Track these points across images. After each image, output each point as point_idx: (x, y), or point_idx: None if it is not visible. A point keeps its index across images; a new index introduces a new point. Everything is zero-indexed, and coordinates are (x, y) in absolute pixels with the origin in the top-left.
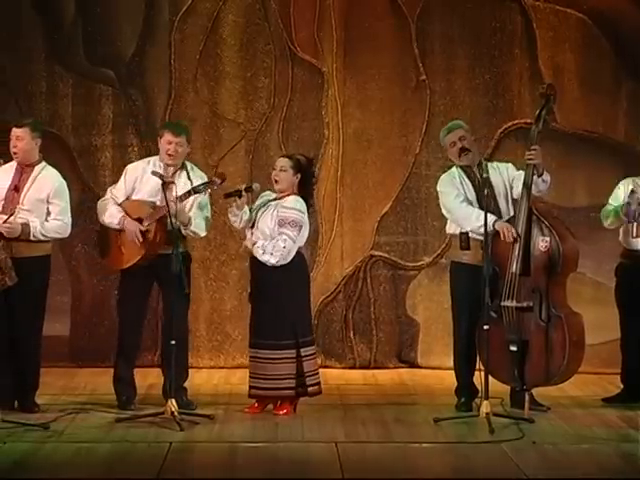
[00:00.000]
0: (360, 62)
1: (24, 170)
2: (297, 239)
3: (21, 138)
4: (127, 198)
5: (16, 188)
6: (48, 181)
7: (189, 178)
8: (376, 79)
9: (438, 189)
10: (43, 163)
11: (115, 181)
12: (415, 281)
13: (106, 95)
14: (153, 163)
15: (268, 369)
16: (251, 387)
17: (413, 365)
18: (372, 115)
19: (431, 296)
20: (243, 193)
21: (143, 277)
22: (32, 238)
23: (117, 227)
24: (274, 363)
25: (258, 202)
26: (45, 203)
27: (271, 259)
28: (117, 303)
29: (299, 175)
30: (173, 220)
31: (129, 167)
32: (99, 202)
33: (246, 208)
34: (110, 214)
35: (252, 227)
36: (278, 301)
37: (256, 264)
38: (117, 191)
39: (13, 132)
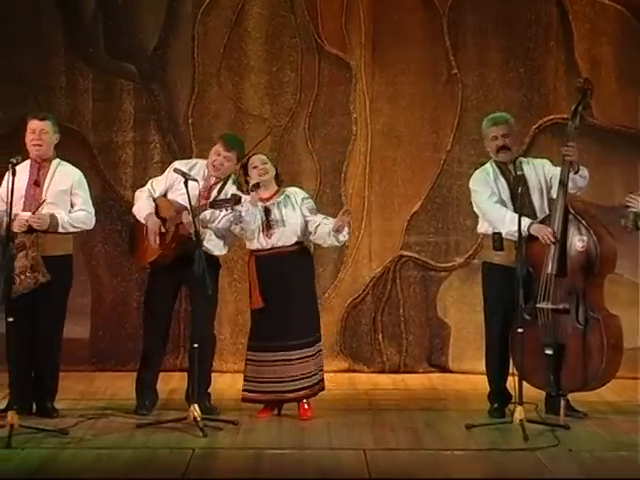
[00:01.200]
0: (389, 55)
1: (41, 165)
2: None
3: (45, 131)
4: (165, 194)
5: (36, 183)
6: (69, 173)
7: (219, 192)
8: (406, 73)
9: (471, 187)
10: (57, 159)
11: (135, 179)
12: (446, 282)
13: (127, 90)
14: (198, 168)
15: (296, 369)
16: (258, 391)
17: (444, 369)
18: (402, 110)
19: (463, 298)
20: (261, 184)
21: (170, 278)
22: (60, 230)
23: (142, 221)
24: (307, 361)
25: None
26: (68, 195)
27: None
28: (143, 304)
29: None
30: (195, 220)
31: (175, 163)
32: (137, 192)
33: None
34: (139, 207)
35: (269, 228)
36: (310, 296)
37: (284, 260)
38: (157, 184)
39: (36, 125)
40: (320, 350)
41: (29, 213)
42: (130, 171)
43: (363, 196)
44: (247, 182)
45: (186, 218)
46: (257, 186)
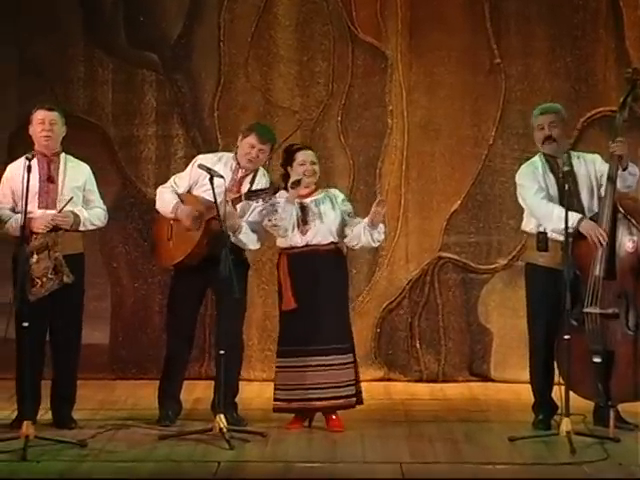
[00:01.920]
0: (427, 43)
1: (51, 160)
2: None
3: (55, 122)
4: (189, 191)
5: (50, 179)
6: (81, 168)
7: (251, 183)
8: (445, 62)
9: (517, 182)
10: (63, 152)
11: (158, 175)
12: (488, 286)
13: (149, 81)
14: (225, 161)
15: (325, 377)
16: (289, 399)
17: (486, 378)
18: (441, 102)
19: (506, 302)
20: (301, 182)
21: (196, 279)
22: (81, 228)
23: (170, 215)
24: (337, 369)
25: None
26: (82, 191)
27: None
28: (167, 308)
29: None
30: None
31: (199, 157)
32: (158, 188)
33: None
34: (164, 201)
35: (305, 224)
36: (342, 300)
37: (318, 259)
38: (180, 180)
39: (45, 115)
40: (353, 361)
41: (52, 211)
42: (152, 167)
43: (399, 194)
44: (287, 175)
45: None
46: (298, 183)
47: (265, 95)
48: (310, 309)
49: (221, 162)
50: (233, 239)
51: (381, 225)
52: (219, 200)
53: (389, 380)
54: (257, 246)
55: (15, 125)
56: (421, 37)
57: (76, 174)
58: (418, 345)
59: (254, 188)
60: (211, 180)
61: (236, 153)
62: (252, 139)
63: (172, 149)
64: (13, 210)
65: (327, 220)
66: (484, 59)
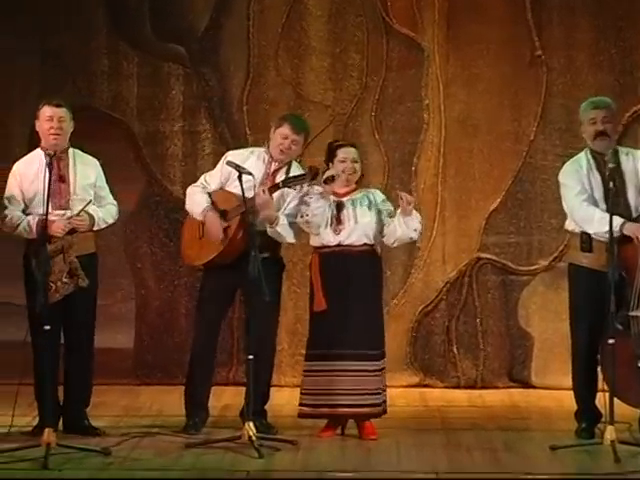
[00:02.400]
0: (466, 35)
1: (60, 158)
2: None
3: (64, 119)
4: (221, 188)
5: (62, 178)
6: (90, 164)
7: (286, 175)
8: (484, 55)
9: (560, 180)
10: (71, 148)
11: (184, 173)
12: (529, 288)
13: (176, 75)
14: (257, 154)
15: (352, 383)
16: (315, 405)
17: (526, 385)
18: (479, 96)
19: (547, 305)
20: (336, 178)
21: (226, 280)
22: (95, 228)
23: (199, 217)
24: (366, 377)
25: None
26: (93, 188)
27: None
28: (196, 310)
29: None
30: (252, 216)
31: (229, 153)
32: (189, 188)
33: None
34: (194, 202)
35: (339, 222)
36: (375, 304)
37: (350, 261)
38: (211, 178)
39: (53, 111)
40: (383, 368)
41: (66, 212)
42: (178, 164)
43: (436, 192)
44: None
45: (260, 198)
46: (332, 179)
47: (296, 89)
48: (340, 311)
49: (253, 156)
50: (270, 231)
51: (415, 212)
52: (248, 196)
53: (425, 386)
54: (294, 240)
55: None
56: (459, 28)
57: (86, 171)
58: (455, 350)
59: (291, 175)
60: (240, 178)
61: (268, 146)
62: (285, 129)
63: (199, 145)
64: (23, 212)
65: (362, 221)
66: (525, 51)
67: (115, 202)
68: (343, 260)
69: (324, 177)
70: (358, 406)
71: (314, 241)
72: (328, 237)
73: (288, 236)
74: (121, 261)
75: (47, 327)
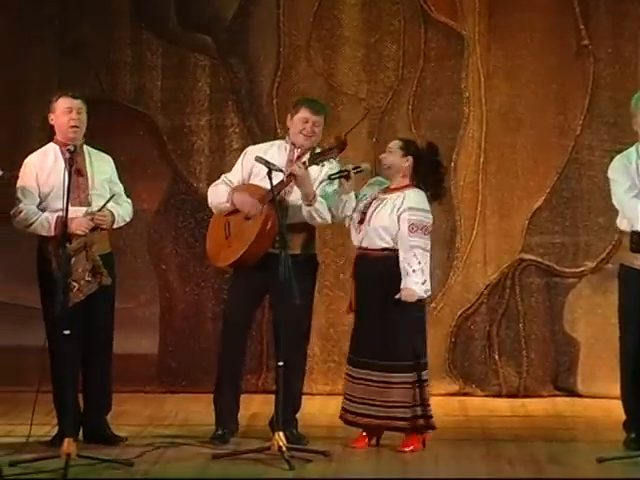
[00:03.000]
0: (508, 24)
1: (76, 151)
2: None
3: (82, 111)
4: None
5: (79, 172)
6: (105, 159)
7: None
8: (528, 45)
9: (609, 176)
10: (84, 144)
11: (211, 169)
12: (575, 291)
13: (202, 66)
14: (278, 145)
15: (378, 395)
16: (352, 412)
17: (572, 393)
18: (522, 88)
19: (594, 309)
20: (351, 174)
21: (254, 282)
22: (115, 226)
23: (226, 206)
24: (388, 388)
25: (366, 189)
26: (108, 184)
27: (424, 293)
28: (223, 313)
29: (410, 159)
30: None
31: (249, 148)
32: (210, 187)
33: (352, 193)
34: (217, 193)
35: (360, 222)
36: (398, 311)
37: (369, 266)
38: (232, 175)
39: (72, 103)
40: (417, 381)
41: (86, 208)
42: (205, 160)
43: (476, 190)
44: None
45: (298, 172)
46: (358, 170)
47: (328, 81)
48: (365, 317)
49: (273, 148)
50: (307, 210)
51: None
52: (277, 189)
53: (465, 395)
54: (330, 219)
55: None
56: (501, 16)
57: (102, 166)
58: (497, 356)
59: (321, 172)
60: (269, 174)
61: (288, 136)
62: (304, 113)
63: (227, 140)
64: (38, 207)
65: (375, 225)
66: (571, 41)
67: (129, 200)
68: (367, 263)
69: (352, 167)
70: (378, 417)
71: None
72: (354, 235)
73: (326, 212)
74: (145, 262)
75: (67, 332)
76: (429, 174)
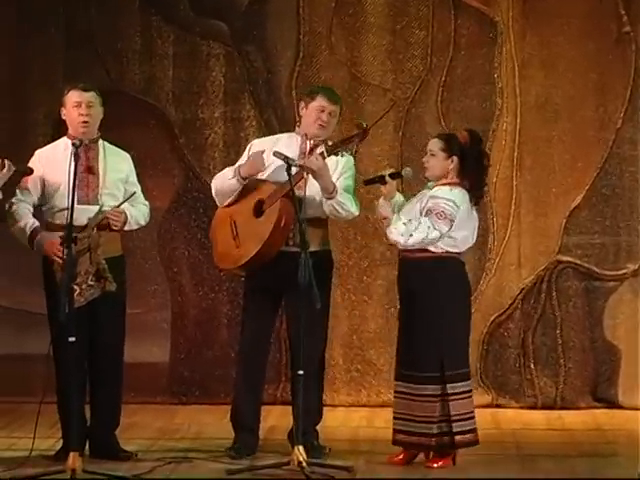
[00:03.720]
0: (544, 9)
1: (88, 147)
2: (445, 236)
3: (93, 104)
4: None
5: (90, 170)
6: (121, 157)
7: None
8: (565, 31)
9: None
10: (101, 139)
11: (226, 165)
12: (615, 295)
13: (216, 54)
14: (286, 139)
15: (405, 407)
16: (395, 430)
17: (612, 405)
18: (559, 78)
19: (637, 314)
20: (387, 179)
21: (271, 286)
22: (126, 228)
23: (234, 186)
24: (412, 401)
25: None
26: (124, 184)
27: (401, 239)
28: (242, 324)
29: (455, 159)
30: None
31: (255, 142)
32: (214, 179)
33: (399, 199)
34: (222, 177)
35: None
36: (423, 318)
37: (406, 269)
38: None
39: (82, 96)
40: (452, 394)
41: (94, 207)
42: (220, 155)
43: (510, 186)
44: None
45: (315, 164)
46: (396, 175)
47: (351, 70)
48: (403, 324)
49: (282, 140)
50: (329, 204)
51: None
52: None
53: (498, 407)
54: (356, 211)
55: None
56: (537, 1)
57: (118, 164)
58: (532, 365)
59: (339, 169)
60: (288, 170)
61: (298, 127)
62: (320, 101)
63: (243, 134)
64: (34, 206)
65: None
66: (611, 27)
67: (147, 203)
68: (404, 266)
69: (388, 173)
70: (404, 433)
71: None
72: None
73: (350, 203)
74: (155, 264)
75: (72, 339)
76: (475, 168)
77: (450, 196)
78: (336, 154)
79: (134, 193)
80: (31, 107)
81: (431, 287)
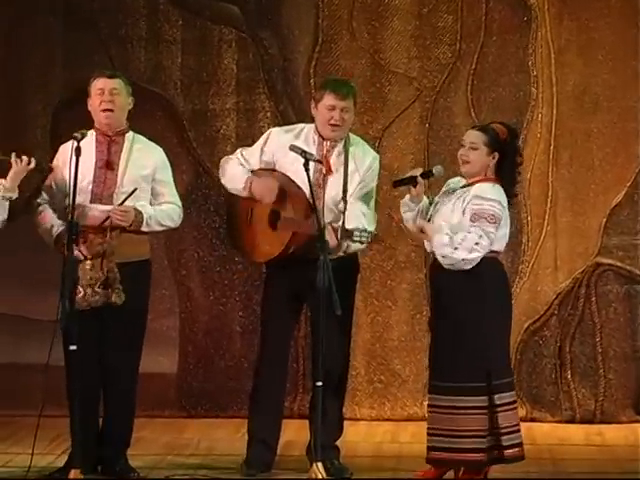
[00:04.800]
0: None
1: (113, 141)
2: (495, 239)
3: (117, 91)
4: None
5: (108, 165)
6: (150, 152)
7: (347, 162)
8: (605, 16)
9: None
10: (131, 131)
11: None
12: None
13: (228, 40)
14: (305, 135)
15: (446, 422)
16: (432, 448)
17: None
18: (599, 66)
19: None
20: (419, 180)
21: (294, 291)
22: (144, 228)
23: (243, 193)
24: (456, 414)
25: (443, 191)
26: (149, 182)
27: (455, 253)
28: (261, 325)
29: (496, 155)
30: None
31: (274, 130)
32: (222, 160)
33: (425, 200)
34: (233, 176)
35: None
36: (463, 326)
37: (437, 273)
38: (249, 154)
39: (105, 83)
40: (499, 405)
41: (109, 207)
42: (232, 149)
43: (546, 183)
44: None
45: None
46: (428, 175)
47: (374, 57)
48: (439, 332)
49: (300, 138)
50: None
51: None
52: (306, 185)
53: (532, 420)
54: (371, 230)
55: (60, 95)
56: None
57: (143, 159)
58: (569, 376)
59: (360, 165)
60: (306, 165)
61: (315, 126)
62: (329, 99)
63: (256, 126)
64: (61, 204)
65: (437, 222)
66: None
67: (179, 203)
68: (436, 271)
69: (423, 174)
70: (445, 450)
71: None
72: (426, 244)
73: (369, 224)
74: (162, 267)
75: (73, 347)
76: (512, 168)
77: (495, 196)
78: (350, 239)
79: (134, 190)
80: (28, 97)
81: (475, 291)
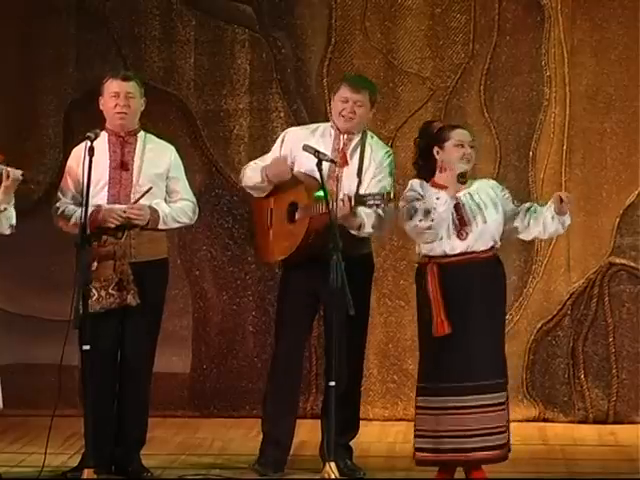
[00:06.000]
0: None
1: (125, 141)
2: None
3: (131, 95)
4: None
5: (123, 165)
6: (163, 150)
7: (362, 156)
8: (618, 16)
9: None
10: (142, 131)
11: (252, 159)
12: None
13: (241, 41)
14: (322, 131)
15: (481, 422)
16: (444, 450)
17: None
18: (612, 66)
19: None
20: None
21: (309, 290)
22: (160, 226)
23: (263, 184)
24: (489, 412)
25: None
26: (164, 180)
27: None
28: (276, 325)
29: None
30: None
31: (289, 130)
32: (243, 169)
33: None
34: (251, 174)
35: (464, 224)
36: (498, 324)
37: (475, 270)
38: (266, 157)
39: (120, 86)
40: (504, 401)
41: (121, 206)
42: (245, 148)
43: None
44: (431, 154)
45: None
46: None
47: (387, 57)
48: (458, 336)
49: (316, 134)
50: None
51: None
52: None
53: (545, 420)
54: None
55: (72, 95)
56: None
57: (157, 158)
58: (582, 376)
59: (374, 163)
60: (319, 165)
61: (332, 119)
62: (343, 91)
63: (270, 125)
64: (80, 204)
65: (490, 219)
66: None
67: (193, 199)
68: (467, 271)
69: (459, 172)
70: (485, 449)
71: (429, 248)
72: (452, 244)
73: (383, 228)
74: (175, 267)
75: (86, 347)
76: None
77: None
78: (364, 204)
79: (150, 189)
80: (40, 97)
81: (498, 286)
